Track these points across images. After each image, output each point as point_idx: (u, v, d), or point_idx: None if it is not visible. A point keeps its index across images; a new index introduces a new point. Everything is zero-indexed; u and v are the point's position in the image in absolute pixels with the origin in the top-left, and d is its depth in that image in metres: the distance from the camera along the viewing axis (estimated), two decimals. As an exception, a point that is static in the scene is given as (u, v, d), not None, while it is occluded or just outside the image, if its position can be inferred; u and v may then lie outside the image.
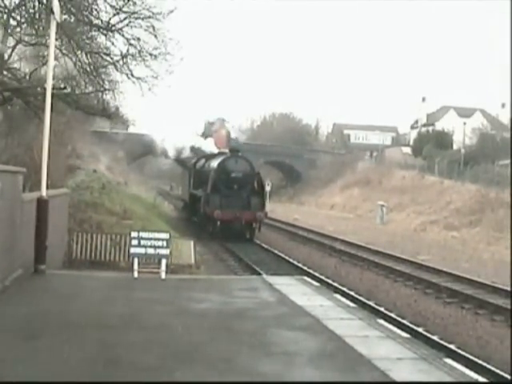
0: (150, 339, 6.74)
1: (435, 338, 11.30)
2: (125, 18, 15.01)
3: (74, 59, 15.58)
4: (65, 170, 21.78)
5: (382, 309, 13.62)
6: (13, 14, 14.66)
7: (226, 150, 30.01)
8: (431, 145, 55.92)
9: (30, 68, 17.81)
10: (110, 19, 14.90)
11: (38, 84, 14.60)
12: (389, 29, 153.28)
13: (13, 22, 15.13)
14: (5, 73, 14.74)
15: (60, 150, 19.81)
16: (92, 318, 7.62)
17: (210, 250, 23.24)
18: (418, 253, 24.58)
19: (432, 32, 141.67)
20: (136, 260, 11.01)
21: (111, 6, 14.87)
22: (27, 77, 16.10)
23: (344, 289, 15.58)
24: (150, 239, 10.94)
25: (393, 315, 12.85)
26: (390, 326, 8.21)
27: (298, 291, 10.11)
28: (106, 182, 27.81)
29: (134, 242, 10.94)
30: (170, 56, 15.53)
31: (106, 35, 15.29)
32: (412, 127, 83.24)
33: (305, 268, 19.21)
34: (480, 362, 9.82)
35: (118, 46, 15.51)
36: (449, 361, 6.87)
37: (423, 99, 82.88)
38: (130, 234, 11.33)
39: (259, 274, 16.81)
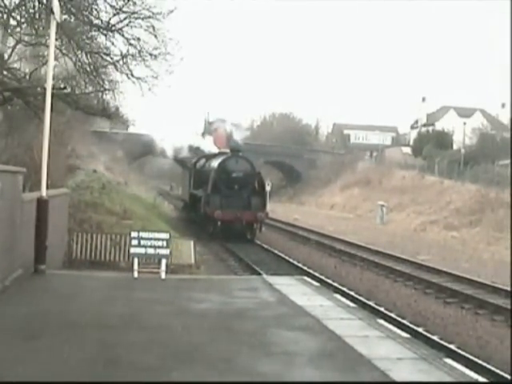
0: (150, 339, 6.74)
1: (435, 338, 11.30)
2: (125, 18, 15.00)
3: (73, 59, 15.57)
4: (65, 170, 21.77)
5: (381, 309, 13.62)
6: (13, 14, 14.65)
7: (227, 150, 29.86)
8: (431, 145, 55.93)
9: (29, 68, 17.82)
10: (109, 19, 14.89)
11: (38, 84, 14.59)
12: (389, 29, 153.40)
13: (13, 22, 15.13)
14: (5, 73, 14.72)
15: (60, 149, 19.81)
16: (92, 318, 7.62)
17: (210, 250, 23.23)
18: (418, 253, 24.58)
19: (432, 32, 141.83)
20: (136, 260, 11.01)
21: (111, 6, 14.87)
22: (27, 77, 16.09)
23: (344, 289, 15.58)
24: (150, 239, 10.94)
25: (393, 315, 12.85)
26: (390, 326, 8.21)
27: (298, 291, 10.11)
28: (106, 182, 27.81)
29: (134, 242, 10.94)
30: (169, 56, 15.53)
31: (105, 35, 15.28)
32: (412, 127, 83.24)
33: (305, 268, 19.22)
34: (480, 362, 9.82)
35: (117, 46, 15.51)
36: (449, 361, 6.87)
37: (423, 99, 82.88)
38: (130, 234, 11.33)
39: (259, 274, 16.81)
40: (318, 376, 5.75)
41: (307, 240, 28.05)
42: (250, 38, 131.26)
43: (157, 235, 11.18)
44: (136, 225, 18.80)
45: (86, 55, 15.55)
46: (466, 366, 6.85)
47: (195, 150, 35.45)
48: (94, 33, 15.93)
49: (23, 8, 14.39)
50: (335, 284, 16.37)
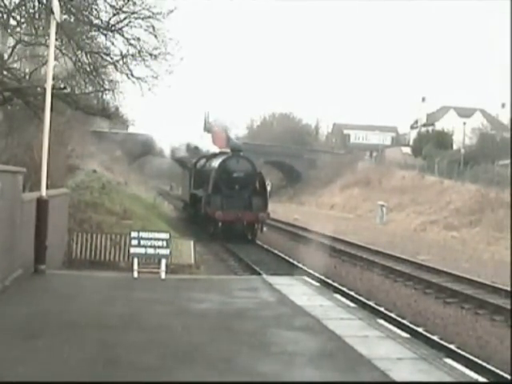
0: (150, 339, 6.74)
1: (435, 338, 11.30)
2: (125, 18, 14.99)
3: (73, 59, 15.56)
4: (65, 170, 21.77)
5: (381, 309, 13.63)
6: (13, 14, 14.65)
7: (228, 150, 29.73)
8: (431, 145, 55.93)
9: (30, 68, 17.81)
10: (109, 19, 14.88)
11: (38, 84, 14.59)
12: (389, 29, 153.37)
13: (13, 22, 15.12)
14: (5, 73, 14.72)
15: (60, 149, 19.80)
16: (92, 318, 7.62)
17: (210, 250, 23.21)
18: (418, 253, 24.58)
19: (432, 32, 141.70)
20: (136, 260, 11.02)
21: (111, 5, 14.86)
22: (27, 77, 16.09)
23: (344, 289, 15.58)
24: (150, 239, 10.95)
25: (393, 315, 12.85)
26: (390, 326, 8.21)
27: (297, 291, 10.11)
28: (106, 182, 27.81)
29: (134, 242, 10.94)
30: (169, 56, 15.52)
31: (105, 35, 15.28)
32: (412, 127, 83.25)
33: (305, 268, 19.20)
34: (480, 362, 9.82)
35: (117, 45, 15.50)
36: (449, 361, 6.87)
37: (423, 99, 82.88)
38: (129, 234, 11.34)
39: (259, 274, 16.80)
40: (318, 376, 5.75)
41: (307, 240, 28.04)
42: (249, 38, 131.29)
43: (157, 235, 11.18)
44: (136, 225, 18.80)
45: (86, 55, 15.55)
46: (466, 366, 6.85)
47: (194, 150, 35.35)
48: (93, 33, 15.93)
49: (23, 8, 14.39)
50: (335, 284, 16.37)
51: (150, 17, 14.91)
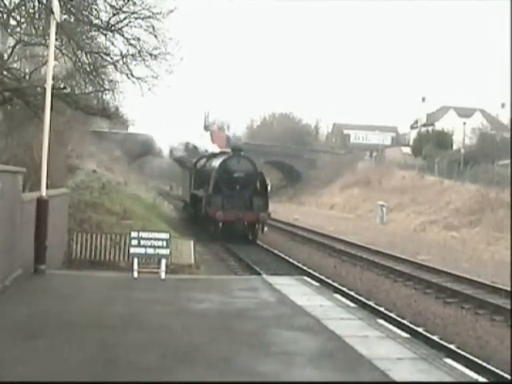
0: (150, 339, 6.74)
1: (435, 337, 11.30)
2: (125, 18, 14.98)
3: (73, 59, 15.55)
4: (65, 170, 21.78)
5: (381, 309, 13.63)
6: (13, 14, 14.64)
7: (228, 150, 29.58)
8: (431, 145, 55.94)
9: (29, 68, 17.80)
10: (109, 19, 14.87)
11: (38, 84, 14.59)
12: (389, 29, 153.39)
13: (13, 22, 15.11)
14: (5, 73, 14.71)
15: (60, 149, 19.81)
16: (92, 318, 7.62)
17: (209, 250, 23.21)
18: (418, 253, 24.58)
19: (432, 32, 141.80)
20: (136, 260, 11.01)
21: (111, 5, 14.84)
22: (27, 77, 16.09)
23: (344, 289, 15.58)
24: (150, 239, 10.94)
25: (393, 315, 12.85)
26: (390, 326, 8.21)
27: (297, 291, 10.11)
28: (106, 182, 27.81)
29: (134, 242, 10.94)
30: (169, 56, 15.51)
31: (105, 35, 15.27)
32: (412, 127, 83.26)
33: (305, 268, 19.21)
34: (480, 362, 9.82)
35: (117, 45, 15.49)
36: (449, 361, 6.87)
37: (423, 99, 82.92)
38: (129, 234, 11.33)
39: (259, 273, 16.80)
40: (318, 376, 5.75)
41: (307, 240, 28.08)
42: (249, 38, 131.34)
43: (157, 235, 11.17)
44: (136, 225, 18.80)
45: (86, 55, 15.54)
46: (466, 366, 6.85)
47: (192, 150, 35.25)
48: (93, 33, 15.92)
49: (23, 8, 14.37)
50: (335, 284, 16.38)
51: (149, 17, 14.89)
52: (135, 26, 15.10)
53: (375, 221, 40.63)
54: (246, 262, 20.23)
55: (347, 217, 45.58)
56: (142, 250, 10.91)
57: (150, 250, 10.89)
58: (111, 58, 15.78)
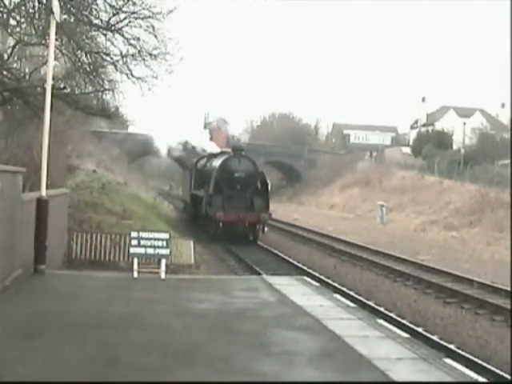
0: (150, 339, 6.74)
1: (435, 337, 11.30)
2: (124, 18, 14.96)
3: (73, 59, 15.55)
4: (64, 170, 21.77)
5: (381, 309, 13.63)
6: (12, 14, 14.63)
7: (229, 150, 29.42)
8: (431, 145, 55.96)
9: (29, 68, 17.79)
10: (109, 19, 14.86)
11: (38, 84, 14.58)
12: (389, 29, 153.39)
13: (12, 22, 15.11)
14: (5, 73, 14.70)
15: (60, 149, 19.80)
16: (92, 318, 7.62)
17: (209, 250, 23.21)
18: (418, 253, 24.58)
19: (432, 32, 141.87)
20: (136, 260, 11.01)
21: (111, 5, 14.83)
22: (27, 77, 16.08)
23: (344, 289, 15.59)
24: (150, 239, 10.94)
25: (393, 315, 12.86)
26: (390, 326, 8.21)
27: (297, 291, 10.11)
28: (106, 182, 27.79)
29: (134, 242, 10.94)
30: (169, 56, 15.49)
31: (105, 35, 15.26)
32: (412, 127, 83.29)
33: (305, 268, 19.22)
34: (480, 362, 9.82)
35: (117, 46, 15.48)
36: (449, 361, 6.87)
37: (423, 99, 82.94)
38: (129, 234, 11.33)
39: (259, 274, 16.80)
40: (318, 376, 5.75)
41: (307, 240, 28.08)
42: (249, 38, 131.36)
43: (157, 235, 11.17)
44: (136, 225, 18.80)
45: (86, 55, 15.53)
46: (466, 366, 6.85)
47: (191, 150, 35.14)
48: (93, 33, 15.91)
49: (23, 8, 14.36)
50: (335, 284, 16.38)
51: (149, 17, 14.87)
52: (135, 26, 15.09)
53: (375, 221, 40.63)
54: (245, 262, 20.23)
55: (347, 217, 45.59)
56: (141, 250, 10.91)
57: (150, 250, 10.89)
58: (111, 58, 15.76)
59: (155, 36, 15.17)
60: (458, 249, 27.61)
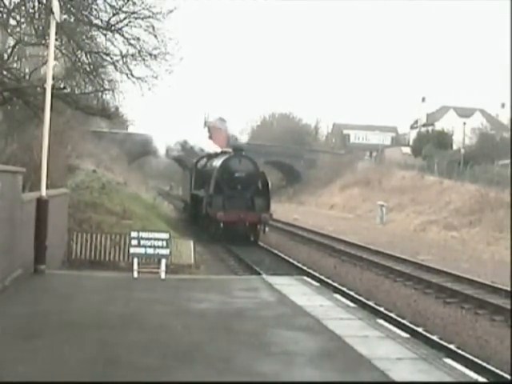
0: (150, 339, 6.74)
1: (435, 337, 11.30)
2: (124, 18, 14.96)
3: (73, 59, 15.55)
4: (64, 170, 21.77)
5: (381, 309, 13.63)
6: (12, 14, 14.63)
7: (229, 150, 29.30)
8: (431, 145, 55.96)
9: (29, 68, 17.79)
10: (109, 19, 14.86)
11: (38, 84, 14.58)
12: (389, 29, 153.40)
13: (12, 22, 15.11)
14: (5, 73, 14.70)
15: (60, 150, 19.79)
16: (92, 318, 7.62)
17: (209, 250, 23.20)
18: (418, 253, 24.59)
19: (432, 32, 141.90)
20: (136, 260, 11.01)
21: (111, 5, 14.83)
22: (27, 77, 16.08)
23: (344, 289, 15.59)
24: (150, 239, 10.94)
25: (392, 315, 12.85)
26: (390, 326, 8.21)
27: (297, 291, 10.11)
28: (106, 182, 27.77)
29: (134, 242, 10.94)
30: (169, 56, 15.50)
31: (105, 35, 15.26)
32: (412, 127, 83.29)
33: (304, 268, 19.21)
34: (480, 362, 9.82)
35: (117, 46, 15.48)
36: (449, 361, 6.87)
37: (423, 99, 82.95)
38: (129, 234, 11.33)
39: (259, 273, 16.79)
40: (318, 376, 5.75)
41: (307, 240, 28.07)
42: (249, 38, 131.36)
43: (156, 235, 11.17)
44: (136, 225, 18.80)
45: (86, 55, 15.53)
46: (466, 366, 6.85)
47: (189, 149, 35.05)
48: (93, 33, 15.92)
49: (23, 8, 14.36)
50: (335, 284, 16.38)
51: (149, 17, 14.87)
52: (135, 26, 15.09)
53: (375, 221, 40.63)
54: (245, 262, 20.23)
55: (347, 217, 45.59)
56: (141, 250, 10.91)
57: (150, 250, 10.89)
58: (111, 58, 15.76)
59: (155, 36, 15.17)
60: (457, 249, 27.62)
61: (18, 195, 10.02)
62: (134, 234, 11.08)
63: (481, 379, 6.49)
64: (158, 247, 10.90)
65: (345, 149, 76.91)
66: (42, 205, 10.53)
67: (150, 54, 15.28)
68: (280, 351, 6.48)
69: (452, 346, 10.84)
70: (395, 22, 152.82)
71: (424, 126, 75.70)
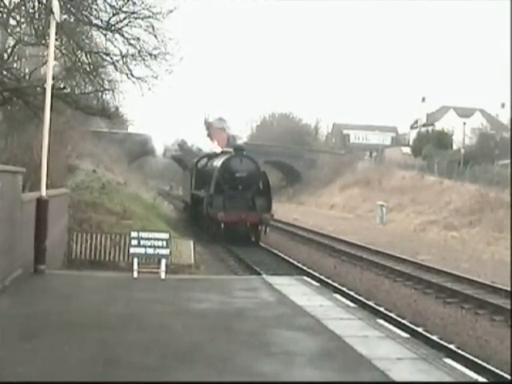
0: (150, 339, 6.73)
1: (435, 337, 11.30)
2: (124, 18, 14.97)
3: (73, 59, 15.55)
4: (64, 170, 21.78)
5: (381, 309, 13.63)
6: (12, 14, 14.63)
7: (230, 150, 29.18)
8: (431, 145, 55.98)
9: (29, 68, 17.79)
10: (109, 19, 14.86)
11: (38, 84, 14.58)
12: (389, 29, 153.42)
13: (12, 22, 15.12)
14: (5, 73, 14.71)
15: (60, 149, 19.80)
16: (92, 318, 7.62)
17: (209, 250, 23.20)
18: (418, 253, 24.58)
19: (432, 32, 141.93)
20: (136, 260, 11.00)
21: (111, 5, 14.84)
22: (27, 77, 16.08)
23: (344, 289, 15.59)
24: (150, 239, 10.92)
25: (392, 315, 12.85)
26: (390, 326, 8.20)
27: (297, 291, 10.10)
28: (106, 182, 27.80)
29: (134, 242, 10.93)
30: (169, 56, 15.51)
31: (105, 35, 15.26)
32: (412, 127, 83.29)
33: (304, 268, 19.21)
34: (480, 362, 9.82)
35: (117, 45, 15.48)
36: (449, 361, 6.86)
37: (423, 99, 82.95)
38: (129, 234, 11.32)
39: (259, 274, 16.79)
40: (318, 376, 5.75)
41: (307, 240, 28.07)
42: (249, 38, 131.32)
43: (156, 235, 11.16)
44: (136, 225, 18.80)
45: (86, 55, 15.54)
46: (466, 366, 6.84)
47: (187, 149, 34.99)
48: (93, 33, 15.93)
49: (23, 8, 14.36)
50: (335, 284, 16.38)
51: (149, 17, 14.88)
52: (135, 26, 15.10)
53: (375, 221, 40.64)
54: (245, 262, 20.22)
55: (347, 217, 45.59)
56: (141, 250, 10.90)
57: (150, 250, 10.88)
58: (111, 58, 15.77)
59: (155, 36, 15.18)
60: (457, 249, 27.62)
61: (18, 195, 10.01)
62: (133, 234, 11.07)
63: (481, 379, 6.49)
64: (158, 247, 10.89)
65: (345, 149, 76.92)
66: (41, 205, 10.52)
67: (150, 54, 15.29)
68: (280, 351, 6.47)
69: (452, 346, 10.84)
70: (395, 22, 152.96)
71: (424, 126, 75.70)
